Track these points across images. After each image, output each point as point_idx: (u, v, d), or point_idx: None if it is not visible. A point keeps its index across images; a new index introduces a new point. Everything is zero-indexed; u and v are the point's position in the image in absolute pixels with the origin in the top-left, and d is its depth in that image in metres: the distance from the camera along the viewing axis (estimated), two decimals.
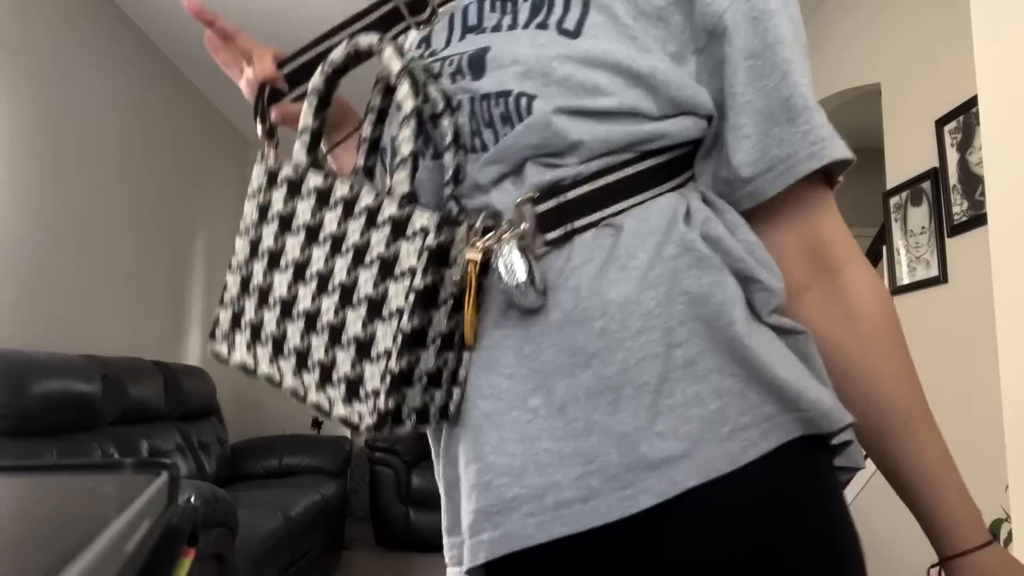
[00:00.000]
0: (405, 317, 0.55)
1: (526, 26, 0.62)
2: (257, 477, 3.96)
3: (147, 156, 3.83)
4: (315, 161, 0.65)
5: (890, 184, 3.07)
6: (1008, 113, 1.44)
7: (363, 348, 0.56)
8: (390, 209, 0.57)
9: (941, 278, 2.72)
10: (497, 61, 0.60)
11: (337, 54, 0.64)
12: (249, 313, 0.63)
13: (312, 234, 0.60)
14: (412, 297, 0.55)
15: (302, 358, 0.59)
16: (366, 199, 0.58)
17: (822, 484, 0.60)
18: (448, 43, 0.68)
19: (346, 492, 4.01)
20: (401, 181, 0.57)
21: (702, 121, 0.63)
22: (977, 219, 2.51)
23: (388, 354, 0.55)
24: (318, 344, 0.58)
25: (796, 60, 0.64)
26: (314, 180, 0.61)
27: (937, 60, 2.76)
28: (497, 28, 0.64)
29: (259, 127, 0.72)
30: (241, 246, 0.65)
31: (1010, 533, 1.78)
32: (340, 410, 0.56)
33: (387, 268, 0.56)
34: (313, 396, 0.58)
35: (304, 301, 0.59)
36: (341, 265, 0.58)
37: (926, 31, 2.83)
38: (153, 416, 3.24)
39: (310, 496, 3.35)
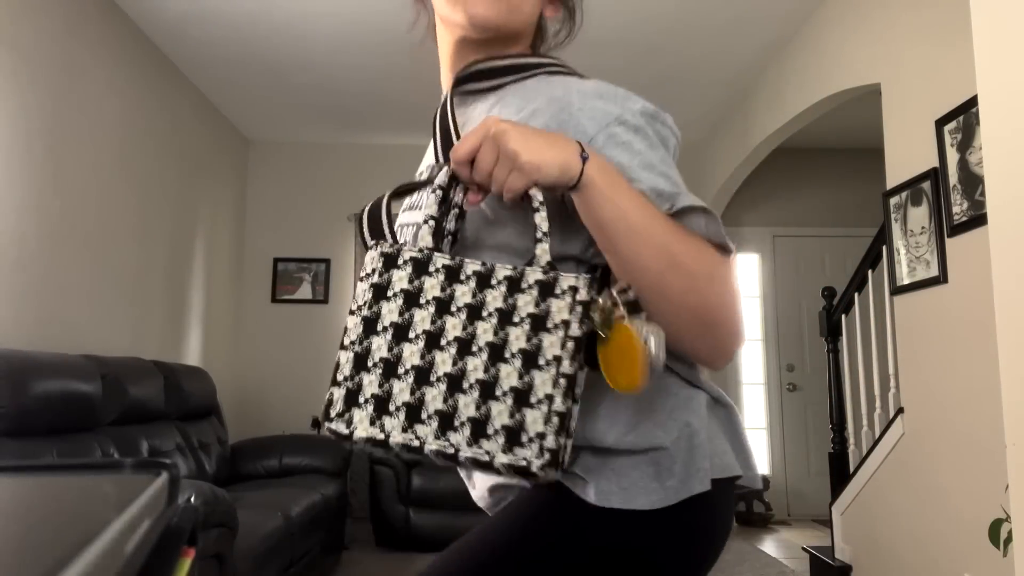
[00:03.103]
0: (566, 362, 0.63)
1: None
2: (257, 477, 3.96)
3: (147, 156, 3.83)
4: (438, 245, 0.73)
5: (890, 184, 3.07)
6: (1008, 113, 1.44)
7: (522, 397, 0.62)
8: (535, 275, 0.67)
9: (941, 278, 2.72)
10: None
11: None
12: (372, 387, 0.65)
13: (444, 305, 0.67)
14: (570, 344, 0.64)
15: (447, 419, 0.63)
16: (504, 271, 0.68)
17: None
18: None
19: (346, 492, 4.01)
20: (543, 252, 0.69)
21: None
22: (977, 219, 2.51)
23: (550, 398, 0.62)
24: (467, 402, 0.63)
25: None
26: (441, 260, 0.69)
27: (937, 60, 2.76)
28: None
29: (366, 234, 0.77)
30: (354, 324, 0.68)
31: (1010, 533, 1.78)
32: (502, 459, 0.61)
33: (539, 323, 0.65)
34: (466, 452, 0.62)
35: (444, 366, 0.65)
36: (485, 328, 0.65)
37: (926, 31, 2.83)
38: (153, 416, 3.24)
39: (310, 496, 3.35)
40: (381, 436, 0.63)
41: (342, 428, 0.65)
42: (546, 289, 0.67)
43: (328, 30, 3.79)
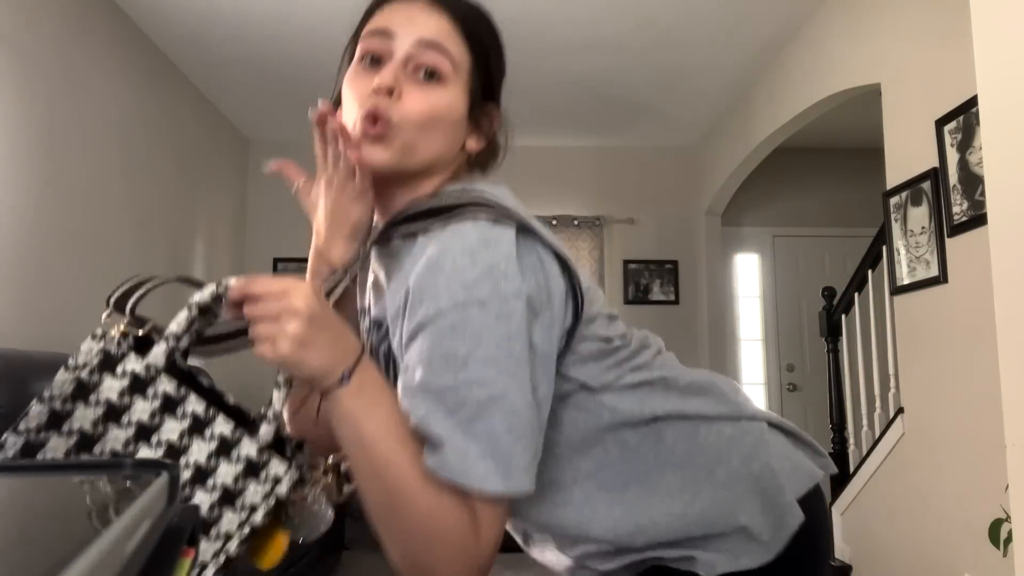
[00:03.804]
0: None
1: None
2: None
3: (147, 156, 3.83)
4: (171, 367, 0.69)
5: (890, 184, 3.07)
6: (1008, 113, 1.44)
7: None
8: (248, 449, 0.67)
9: (941, 278, 2.72)
10: None
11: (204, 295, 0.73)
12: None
13: (144, 433, 0.63)
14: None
15: None
16: (222, 427, 0.66)
17: None
18: None
19: None
20: (267, 433, 0.69)
21: None
22: (977, 219, 2.51)
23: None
24: None
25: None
26: (165, 386, 0.65)
27: (937, 60, 2.76)
28: None
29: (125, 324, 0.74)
30: (39, 409, 0.65)
31: (1010, 533, 1.78)
32: None
33: (228, 497, 0.65)
34: None
35: None
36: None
37: (926, 31, 2.83)
38: None
39: None
40: None
41: None
42: (250, 468, 0.66)
43: (328, 30, 3.79)
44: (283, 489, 0.65)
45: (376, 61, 0.78)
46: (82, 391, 0.63)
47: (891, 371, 3.28)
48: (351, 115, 0.77)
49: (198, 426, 0.65)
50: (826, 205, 5.59)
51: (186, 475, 0.63)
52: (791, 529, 0.78)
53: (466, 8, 0.80)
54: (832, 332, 3.86)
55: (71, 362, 0.65)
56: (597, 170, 5.40)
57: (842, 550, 3.44)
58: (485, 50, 0.82)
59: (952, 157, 2.66)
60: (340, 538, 3.85)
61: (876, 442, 3.24)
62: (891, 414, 3.17)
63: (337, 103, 0.83)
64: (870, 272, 3.55)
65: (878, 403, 3.45)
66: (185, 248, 4.33)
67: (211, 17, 3.66)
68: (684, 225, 5.45)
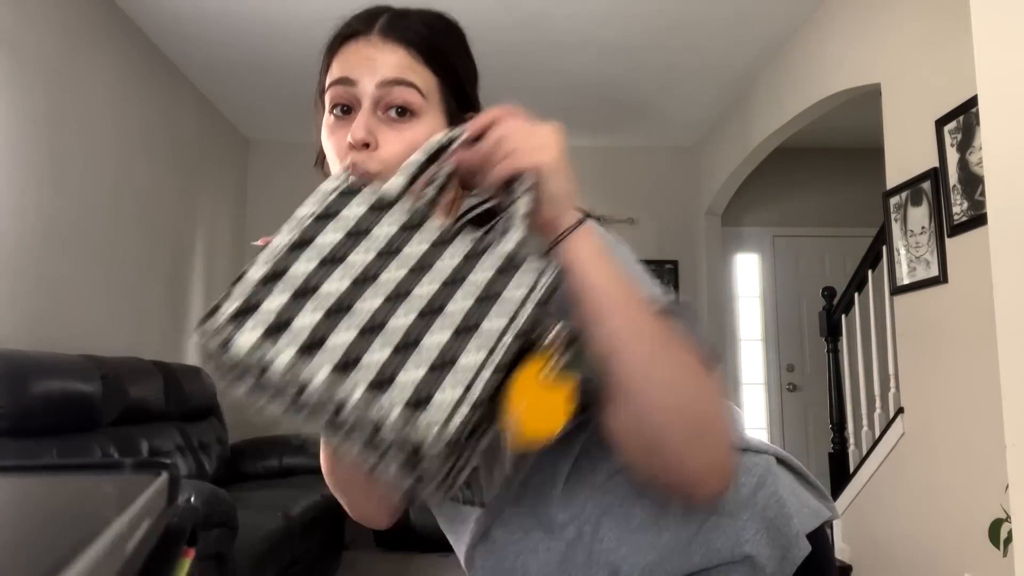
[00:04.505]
0: (499, 354, 0.54)
1: None
2: (257, 477, 3.96)
3: (147, 156, 3.83)
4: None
5: (890, 184, 3.07)
6: (1008, 113, 1.44)
7: (443, 367, 0.54)
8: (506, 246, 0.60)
9: (941, 278, 2.72)
10: None
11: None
12: (279, 308, 0.55)
13: (389, 250, 0.59)
14: (508, 338, 0.55)
15: (346, 366, 0.53)
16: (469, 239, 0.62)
17: None
18: None
19: None
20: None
21: None
22: (977, 219, 2.51)
23: (474, 379, 0.53)
24: (379, 355, 0.54)
25: None
26: (434, 223, 0.62)
27: (937, 60, 2.76)
28: None
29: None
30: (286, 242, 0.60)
31: (1010, 533, 1.78)
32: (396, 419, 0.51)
33: (487, 300, 0.57)
34: (355, 396, 0.52)
35: (363, 313, 0.55)
36: (424, 288, 0.57)
37: (926, 31, 2.83)
38: (153, 416, 3.24)
39: (310, 496, 3.35)
40: (265, 361, 0.52)
41: (215, 340, 0.53)
42: (503, 270, 0.59)
43: (328, 30, 3.79)
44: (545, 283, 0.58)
45: (347, 110, 0.76)
46: (322, 217, 0.62)
47: (891, 371, 3.28)
48: (334, 169, 0.76)
49: (438, 243, 0.60)
50: (826, 205, 5.59)
51: (428, 290, 0.57)
52: (796, 562, 0.75)
53: (420, 30, 0.77)
54: (832, 332, 3.86)
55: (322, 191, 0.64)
56: (597, 170, 5.40)
57: (842, 550, 3.44)
58: (450, 65, 0.78)
59: (952, 157, 2.66)
60: (340, 538, 3.85)
61: (876, 442, 3.24)
62: (891, 414, 3.17)
63: (320, 155, 0.81)
64: (870, 272, 3.55)
65: (878, 403, 3.45)
66: (185, 248, 4.33)
67: (211, 17, 3.66)
68: (684, 225, 5.45)
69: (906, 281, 2.95)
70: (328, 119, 0.78)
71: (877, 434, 3.30)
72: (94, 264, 3.31)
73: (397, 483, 0.52)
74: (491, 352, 0.54)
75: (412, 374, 0.52)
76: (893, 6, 3.04)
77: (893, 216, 3.05)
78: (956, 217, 2.63)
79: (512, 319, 0.56)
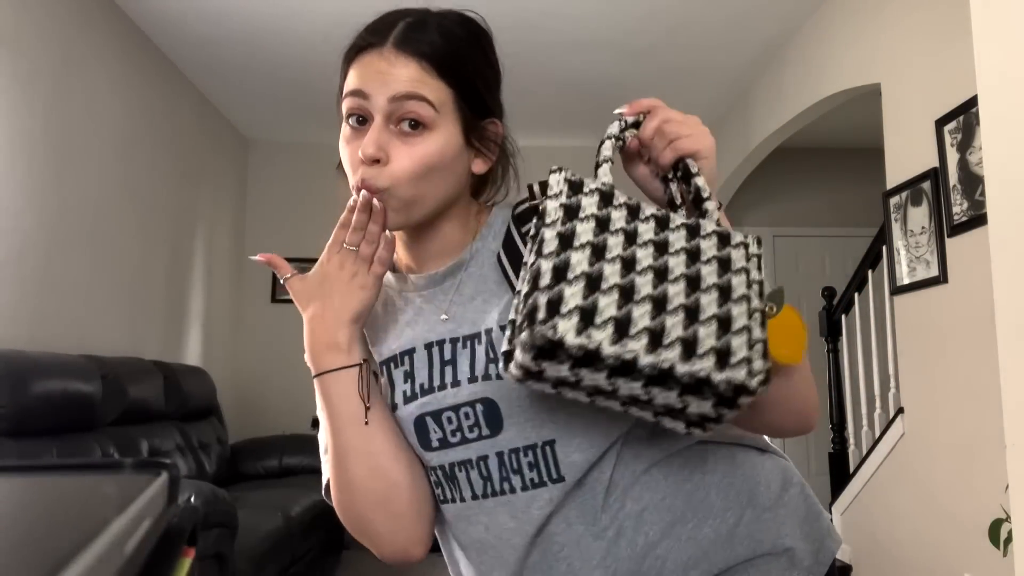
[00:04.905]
0: (755, 300, 0.66)
1: None
2: (257, 477, 3.96)
3: (147, 156, 3.83)
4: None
5: (890, 184, 3.07)
6: (1008, 113, 1.44)
7: (724, 324, 0.64)
8: (710, 226, 0.71)
9: (941, 278, 2.72)
10: None
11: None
12: (575, 299, 0.62)
13: (631, 237, 0.68)
14: (755, 287, 0.68)
15: (656, 336, 0.62)
16: (680, 219, 0.71)
17: None
18: None
19: None
20: (713, 210, 0.72)
21: None
22: (977, 219, 2.51)
23: (749, 328, 0.64)
24: (674, 323, 0.63)
25: None
26: (622, 197, 0.71)
27: (937, 60, 2.76)
28: None
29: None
30: (551, 236, 0.66)
31: (1010, 533, 1.78)
32: (719, 375, 0.61)
33: (724, 265, 0.68)
34: (682, 368, 0.61)
35: (645, 288, 0.64)
36: (676, 262, 0.67)
37: (926, 31, 2.83)
38: (153, 416, 3.24)
39: (310, 496, 3.35)
40: (593, 346, 0.59)
41: (549, 333, 0.59)
42: (723, 239, 0.69)
43: (328, 30, 3.79)
44: (754, 249, 0.71)
45: (362, 120, 0.78)
46: (571, 211, 0.67)
47: (891, 371, 3.28)
48: (351, 179, 0.80)
49: (662, 223, 0.70)
50: (826, 205, 5.59)
51: (683, 258, 0.67)
52: (831, 554, 0.79)
53: (435, 40, 0.77)
54: (832, 332, 3.86)
55: (548, 191, 0.70)
56: None
57: (842, 550, 3.44)
58: (466, 74, 0.78)
59: (952, 157, 2.66)
60: (340, 538, 3.85)
61: (876, 442, 3.24)
62: (891, 414, 3.17)
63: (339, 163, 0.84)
64: (870, 272, 3.55)
65: (878, 403, 3.45)
66: (185, 248, 4.33)
67: (211, 18, 3.66)
68: None
69: (906, 281, 2.95)
70: (344, 129, 0.80)
71: (877, 434, 3.30)
72: (94, 264, 3.31)
73: (713, 417, 0.64)
74: (750, 304, 0.66)
75: (709, 332, 0.63)
76: (893, 6, 3.04)
77: (893, 216, 3.05)
78: (956, 217, 2.63)
79: (748, 278, 0.68)
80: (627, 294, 0.63)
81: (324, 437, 0.81)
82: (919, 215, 2.88)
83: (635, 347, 0.60)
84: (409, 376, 0.80)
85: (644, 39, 3.91)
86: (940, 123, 2.72)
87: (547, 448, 0.74)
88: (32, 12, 2.86)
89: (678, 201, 0.75)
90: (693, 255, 0.67)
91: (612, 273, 0.64)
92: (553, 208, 0.67)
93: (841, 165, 5.55)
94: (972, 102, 2.52)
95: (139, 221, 3.75)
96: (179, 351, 4.22)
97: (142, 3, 3.52)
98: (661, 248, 0.67)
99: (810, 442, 5.47)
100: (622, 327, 0.61)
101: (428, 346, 0.80)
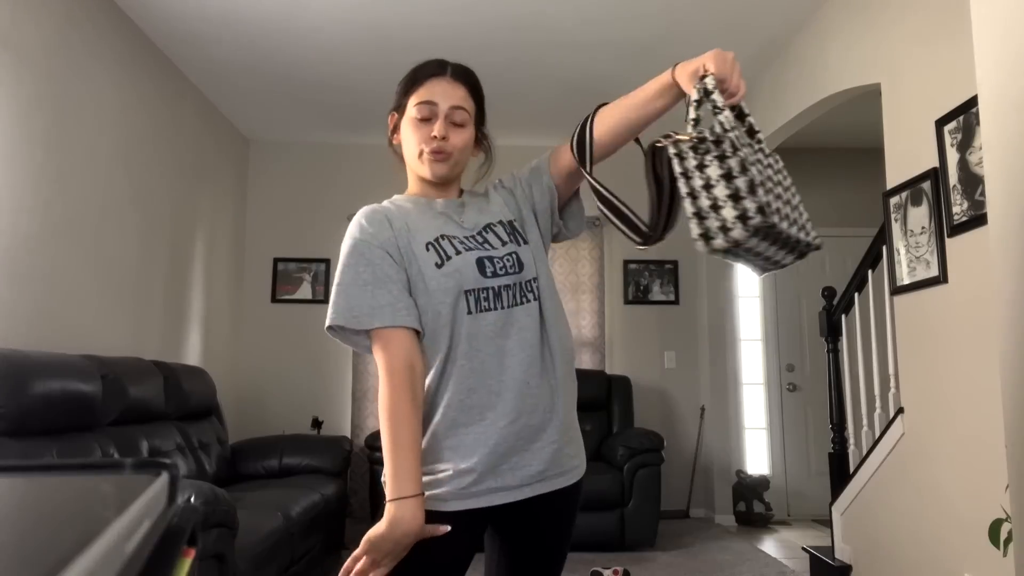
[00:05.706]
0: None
1: None
2: (257, 477, 3.96)
3: (147, 156, 3.83)
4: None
5: (890, 184, 3.07)
6: (1008, 113, 1.44)
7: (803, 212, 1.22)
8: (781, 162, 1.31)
9: (941, 278, 2.72)
10: None
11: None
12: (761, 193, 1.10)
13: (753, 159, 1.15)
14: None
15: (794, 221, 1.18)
16: (773, 157, 1.25)
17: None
18: None
19: (346, 492, 4.01)
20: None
21: None
22: (977, 219, 2.51)
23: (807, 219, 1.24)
24: (797, 211, 1.20)
25: None
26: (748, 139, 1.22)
27: (937, 60, 2.76)
28: None
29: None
30: (716, 164, 1.15)
31: (1010, 533, 1.78)
32: (812, 239, 1.23)
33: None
34: (800, 236, 1.19)
35: (777, 188, 1.17)
36: (778, 179, 1.20)
37: (926, 31, 2.83)
38: (153, 416, 3.24)
39: (310, 496, 3.35)
40: (778, 228, 1.10)
41: (758, 221, 1.09)
42: (775, 156, 1.26)
43: (328, 30, 3.79)
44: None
45: (427, 119, 1.31)
46: (734, 144, 1.14)
47: (891, 371, 3.28)
48: (412, 147, 1.33)
49: (744, 138, 1.19)
50: (826, 205, 5.59)
51: (781, 176, 1.22)
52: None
53: (471, 76, 1.37)
54: (832, 332, 3.86)
55: (723, 128, 1.19)
56: (597, 170, 5.39)
57: (842, 550, 3.44)
58: (479, 99, 1.38)
59: (952, 157, 2.66)
60: (340, 538, 3.85)
61: (876, 442, 3.24)
62: (891, 414, 3.17)
63: (395, 128, 1.41)
64: (870, 272, 3.55)
65: (878, 403, 3.45)
66: (185, 248, 4.33)
67: (212, 18, 3.66)
68: (684, 225, 5.43)
69: (906, 281, 2.95)
70: (414, 120, 1.32)
71: (877, 434, 3.30)
72: (94, 264, 3.31)
73: (783, 264, 1.27)
74: (799, 201, 1.22)
75: (803, 215, 1.21)
76: (893, 6, 3.04)
77: (893, 216, 3.05)
78: (956, 217, 2.63)
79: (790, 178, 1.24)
80: (780, 197, 1.14)
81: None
82: (919, 215, 2.88)
83: (790, 229, 1.14)
84: (453, 242, 1.28)
85: (644, 39, 3.91)
86: (940, 123, 2.72)
87: (532, 283, 1.31)
88: (32, 12, 2.86)
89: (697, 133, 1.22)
90: (777, 163, 1.22)
91: (762, 181, 1.10)
92: (729, 141, 1.12)
93: (841, 165, 5.55)
94: (972, 102, 2.52)
95: (139, 221, 3.75)
96: (179, 351, 4.22)
97: (142, 3, 3.52)
98: (761, 155, 1.18)
99: (810, 442, 5.48)
100: (784, 217, 1.12)
101: (465, 233, 1.32)
